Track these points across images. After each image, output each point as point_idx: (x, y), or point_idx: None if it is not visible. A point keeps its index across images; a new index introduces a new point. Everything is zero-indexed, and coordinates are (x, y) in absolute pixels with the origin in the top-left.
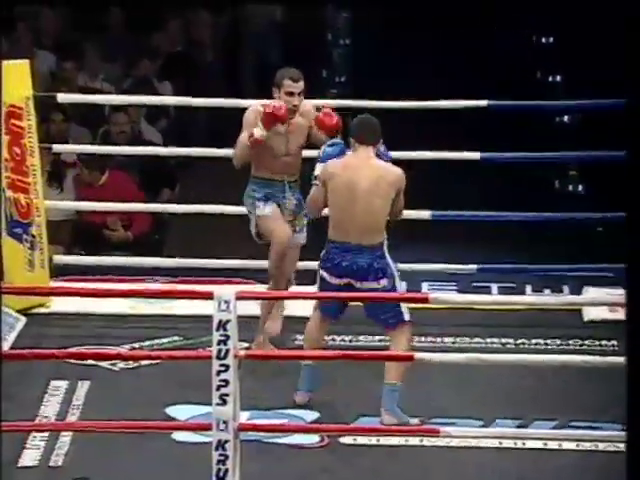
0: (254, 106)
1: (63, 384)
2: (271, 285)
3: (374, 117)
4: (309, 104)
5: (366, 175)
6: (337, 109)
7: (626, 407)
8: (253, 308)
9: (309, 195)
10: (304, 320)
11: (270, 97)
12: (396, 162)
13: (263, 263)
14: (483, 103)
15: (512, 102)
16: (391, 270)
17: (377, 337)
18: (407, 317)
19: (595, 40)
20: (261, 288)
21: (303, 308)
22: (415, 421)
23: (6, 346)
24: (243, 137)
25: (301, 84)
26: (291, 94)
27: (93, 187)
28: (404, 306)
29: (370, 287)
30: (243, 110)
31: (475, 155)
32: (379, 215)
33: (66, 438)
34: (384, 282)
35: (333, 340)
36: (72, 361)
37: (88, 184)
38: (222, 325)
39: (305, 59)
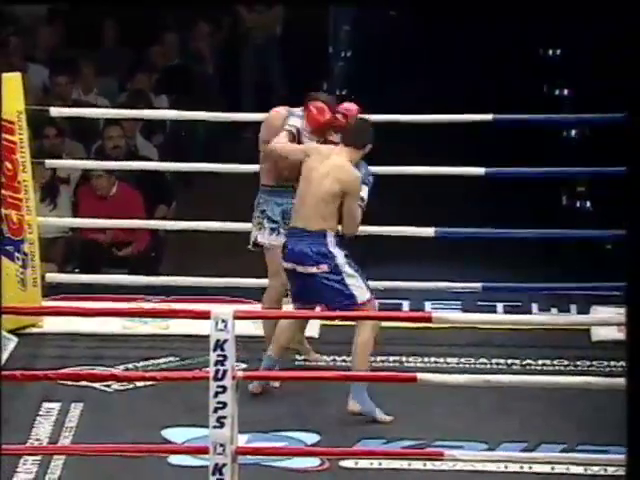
0: (279, 112)
1: (56, 406)
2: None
3: (367, 121)
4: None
5: (324, 164)
6: None
7: (626, 428)
8: (251, 328)
9: (357, 215)
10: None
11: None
12: (399, 177)
13: (261, 282)
14: (488, 117)
15: (517, 116)
16: (333, 256)
17: (378, 358)
18: (362, 298)
19: (602, 53)
20: (258, 307)
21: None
22: (384, 416)
23: None
24: (293, 146)
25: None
26: None
27: (102, 198)
28: (355, 287)
29: (310, 272)
30: (241, 124)
31: (480, 170)
32: (326, 203)
33: (59, 462)
34: (324, 267)
35: (334, 361)
36: (65, 382)
37: (97, 195)
38: (219, 345)
39: (306, 72)
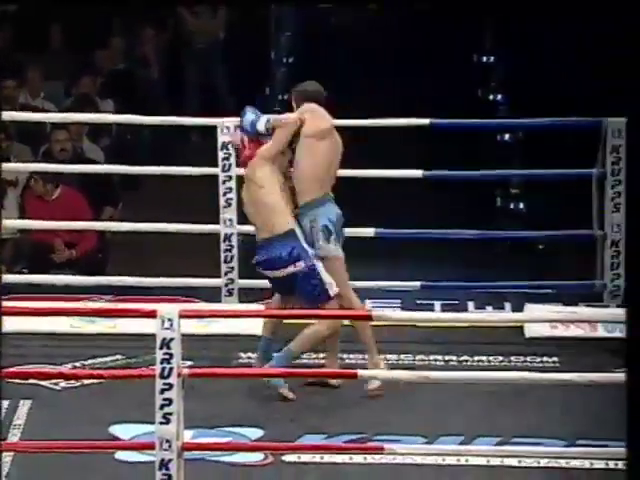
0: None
1: (4, 404)
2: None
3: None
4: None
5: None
6: None
7: (627, 426)
8: (195, 326)
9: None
10: (248, 338)
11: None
12: (339, 179)
13: (205, 282)
14: (425, 121)
15: (454, 120)
16: (307, 251)
17: (321, 355)
18: (332, 292)
19: (536, 59)
20: (204, 306)
21: (247, 327)
22: (285, 389)
23: None
24: None
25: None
26: None
27: (44, 201)
28: (328, 282)
29: (288, 273)
30: (186, 128)
31: (417, 173)
32: (265, 205)
33: (7, 459)
34: (301, 264)
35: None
36: (13, 380)
37: (39, 197)
38: (165, 343)
39: (249, 77)
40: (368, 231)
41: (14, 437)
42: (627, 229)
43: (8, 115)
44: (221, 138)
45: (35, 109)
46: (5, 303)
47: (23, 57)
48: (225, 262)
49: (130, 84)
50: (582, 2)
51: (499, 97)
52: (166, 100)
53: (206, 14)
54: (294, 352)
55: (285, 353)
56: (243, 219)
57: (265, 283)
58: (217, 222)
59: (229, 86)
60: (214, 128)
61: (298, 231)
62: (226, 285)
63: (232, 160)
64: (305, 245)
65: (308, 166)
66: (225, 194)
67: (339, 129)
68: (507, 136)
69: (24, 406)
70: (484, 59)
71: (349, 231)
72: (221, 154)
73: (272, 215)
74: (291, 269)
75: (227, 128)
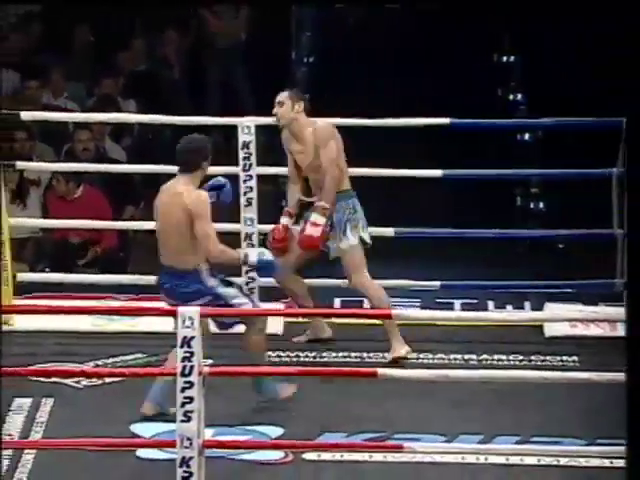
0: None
1: (27, 402)
2: None
3: (196, 139)
4: (318, 123)
5: (167, 198)
6: None
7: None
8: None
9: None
10: (270, 337)
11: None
12: (360, 179)
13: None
14: (446, 121)
15: (474, 120)
16: (212, 288)
17: (340, 353)
18: (234, 302)
19: (557, 58)
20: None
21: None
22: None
23: None
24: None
25: (282, 95)
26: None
27: (66, 201)
28: (224, 292)
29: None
30: (206, 128)
31: (437, 173)
32: (183, 236)
33: (29, 456)
34: (206, 299)
35: (297, 357)
36: (36, 378)
37: (61, 197)
38: (186, 342)
39: (269, 77)
40: (388, 231)
41: (37, 435)
42: (628, 229)
43: (30, 115)
44: (242, 137)
45: (58, 109)
46: (27, 302)
47: (46, 58)
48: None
49: (152, 85)
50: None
51: (519, 97)
52: (187, 101)
53: (228, 15)
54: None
55: (165, 387)
56: (264, 218)
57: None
58: (237, 221)
59: (250, 86)
60: (235, 129)
61: (203, 269)
62: (247, 284)
63: (252, 160)
64: (209, 282)
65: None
66: (246, 193)
67: (362, 128)
68: (527, 135)
69: (46, 404)
70: (504, 59)
71: (369, 231)
72: (242, 153)
73: (177, 247)
74: (197, 303)
75: (247, 128)
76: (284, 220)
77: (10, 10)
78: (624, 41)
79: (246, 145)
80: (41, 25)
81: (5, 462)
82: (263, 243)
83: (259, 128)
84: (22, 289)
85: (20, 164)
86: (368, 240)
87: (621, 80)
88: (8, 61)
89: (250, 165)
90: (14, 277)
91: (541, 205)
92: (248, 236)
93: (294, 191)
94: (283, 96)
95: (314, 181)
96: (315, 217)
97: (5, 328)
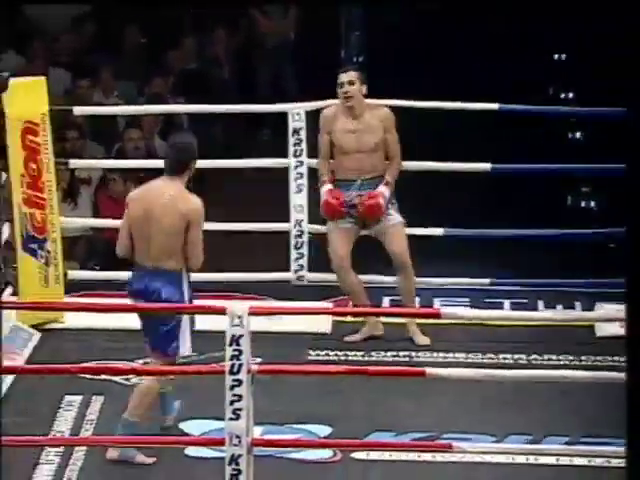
0: (325, 110)
1: (77, 399)
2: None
3: (184, 141)
4: (385, 108)
5: (156, 202)
6: None
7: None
8: (265, 323)
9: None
10: (317, 336)
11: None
12: (410, 172)
13: (277, 276)
14: (494, 106)
15: (523, 106)
16: (183, 302)
17: (389, 353)
18: (182, 352)
19: (607, 56)
20: (274, 303)
21: (316, 324)
22: (140, 457)
23: (21, 361)
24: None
25: (351, 73)
26: (341, 85)
27: (117, 200)
28: (183, 341)
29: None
30: (256, 126)
31: (486, 166)
32: (171, 239)
33: (80, 453)
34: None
35: (346, 356)
36: (86, 376)
37: (111, 197)
38: (235, 340)
39: (318, 76)
40: (437, 230)
41: (87, 432)
42: (627, 229)
43: (82, 110)
44: (292, 124)
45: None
46: (78, 300)
47: (97, 57)
48: (295, 248)
49: (202, 83)
50: None
51: (570, 95)
52: (236, 99)
53: (277, 14)
54: (132, 419)
55: (124, 424)
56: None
57: (334, 278)
58: (279, 220)
59: (299, 86)
60: (285, 126)
61: (183, 275)
62: (297, 279)
63: (303, 146)
64: (185, 294)
65: None
66: (296, 179)
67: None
68: (578, 134)
69: (96, 401)
70: (556, 57)
71: (418, 230)
72: (292, 140)
73: (177, 252)
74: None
75: (298, 115)
76: (328, 186)
77: (62, 11)
78: None
79: (296, 131)
80: (93, 25)
81: (56, 459)
82: (313, 240)
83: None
84: (73, 287)
85: (73, 162)
86: (399, 218)
87: None
88: (60, 61)
89: (301, 151)
90: (65, 275)
91: (592, 204)
92: (298, 223)
93: (326, 165)
94: (353, 75)
95: (357, 160)
96: (382, 189)
97: (56, 325)
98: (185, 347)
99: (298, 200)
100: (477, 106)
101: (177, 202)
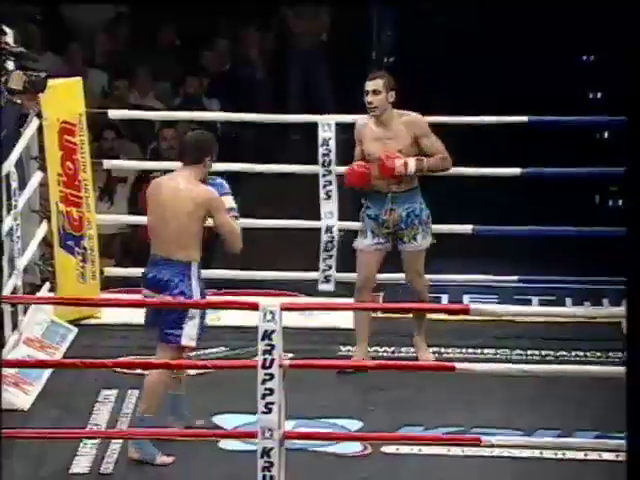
0: (358, 120)
1: (113, 393)
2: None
3: (204, 134)
4: (414, 114)
5: (168, 194)
6: None
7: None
8: (296, 319)
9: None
10: (347, 332)
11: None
12: (440, 177)
13: (307, 275)
14: (524, 119)
15: (551, 117)
16: (191, 294)
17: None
18: (185, 341)
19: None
20: (305, 299)
21: (346, 320)
22: (164, 458)
23: (58, 355)
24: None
25: (377, 82)
26: (366, 93)
27: None
28: (187, 330)
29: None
30: (288, 126)
31: (516, 171)
32: (187, 228)
33: (116, 446)
34: (179, 299)
35: (376, 351)
36: (122, 370)
37: None
38: (267, 335)
39: (350, 77)
40: (466, 228)
41: (123, 425)
42: (627, 229)
43: (118, 113)
44: (322, 134)
45: (145, 109)
46: (114, 296)
47: (133, 58)
48: (325, 250)
49: (236, 84)
50: None
51: (599, 95)
52: (270, 100)
53: (309, 15)
54: (146, 413)
55: (139, 420)
56: (343, 215)
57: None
58: (308, 218)
59: (331, 86)
60: (315, 127)
61: (194, 266)
62: (323, 271)
63: (332, 156)
64: (194, 286)
65: None
66: (325, 186)
67: (443, 127)
68: (606, 134)
69: (132, 396)
70: (584, 58)
71: (447, 228)
72: (321, 150)
73: (189, 242)
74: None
75: (328, 125)
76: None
77: (99, 12)
78: None
79: (326, 142)
80: (128, 26)
81: (93, 451)
82: (342, 239)
83: (338, 126)
84: (109, 283)
85: (107, 162)
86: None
87: None
88: (97, 62)
89: (330, 161)
90: (102, 272)
91: (620, 203)
92: (328, 229)
93: None
94: (379, 84)
95: None
96: (409, 159)
97: (93, 321)
98: (188, 338)
99: (328, 207)
100: (506, 119)
101: (187, 192)
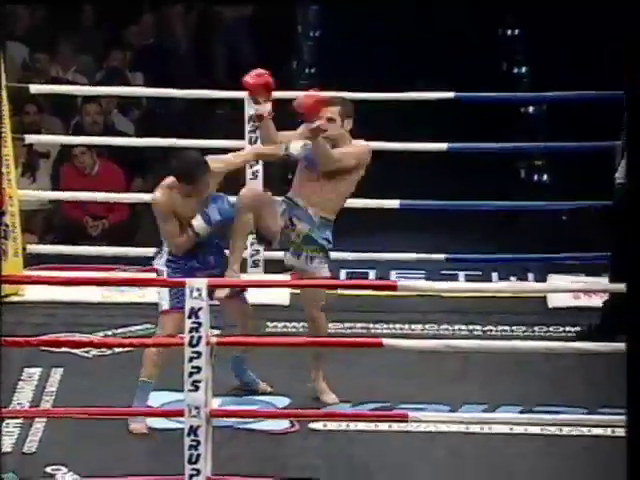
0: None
1: (37, 371)
2: None
3: (191, 155)
4: (359, 143)
5: None
6: None
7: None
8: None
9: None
10: (275, 308)
11: (239, 88)
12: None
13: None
14: (450, 95)
15: (479, 94)
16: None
17: (347, 324)
18: (167, 306)
19: (560, 32)
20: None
21: (275, 297)
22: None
23: None
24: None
25: (332, 109)
26: (319, 118)
27: (85, 176)
28: (166, 295)
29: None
30: (214, 101)
31: (442, 146)
32: None
33: (40, 424)
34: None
35: (304, 327)
36: (46, 348)
37: (82, 173)
38: (194, 313)
39: (275, 51)
40: (393, 203)
41: (46, 404)
42: (627, 229)
43: (39, 88)
44: (248, 111)
45: (67, 82)
46: (37, 273)
47: (55, 32)
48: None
49: (160, 58)
50: None
51: (523, 70)
52: (194, 74)
53: None
54: (142, 378)
55: (139, 386)
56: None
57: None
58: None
59: (256, 60)
60: (242, 101)
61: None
62: (252, 256)
63: (258, 133)
64: (162, 267)
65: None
66: (252, 166)
67: (367, 102)
68: (531, 108)
69: (56, 374)
70: (509, 32)
71: (375, 203)
72: (248, 127)
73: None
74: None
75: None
76: None
77: None
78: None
79: (252, 118)
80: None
81: (16, 431)
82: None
83: None
84: (32, 260)
85: (29, 137)
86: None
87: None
88: (17, 35)
89: (257, 138)
90: (24, 249)
91: (545, 177)
92: None
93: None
94: (334, 111)
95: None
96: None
97: (16, 299)
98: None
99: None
100: (432, 95)
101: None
